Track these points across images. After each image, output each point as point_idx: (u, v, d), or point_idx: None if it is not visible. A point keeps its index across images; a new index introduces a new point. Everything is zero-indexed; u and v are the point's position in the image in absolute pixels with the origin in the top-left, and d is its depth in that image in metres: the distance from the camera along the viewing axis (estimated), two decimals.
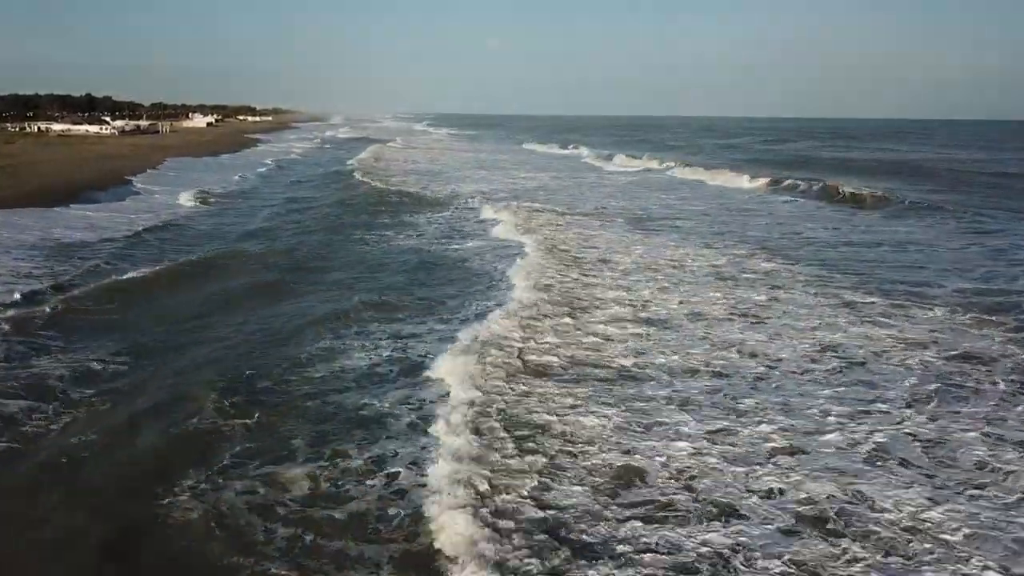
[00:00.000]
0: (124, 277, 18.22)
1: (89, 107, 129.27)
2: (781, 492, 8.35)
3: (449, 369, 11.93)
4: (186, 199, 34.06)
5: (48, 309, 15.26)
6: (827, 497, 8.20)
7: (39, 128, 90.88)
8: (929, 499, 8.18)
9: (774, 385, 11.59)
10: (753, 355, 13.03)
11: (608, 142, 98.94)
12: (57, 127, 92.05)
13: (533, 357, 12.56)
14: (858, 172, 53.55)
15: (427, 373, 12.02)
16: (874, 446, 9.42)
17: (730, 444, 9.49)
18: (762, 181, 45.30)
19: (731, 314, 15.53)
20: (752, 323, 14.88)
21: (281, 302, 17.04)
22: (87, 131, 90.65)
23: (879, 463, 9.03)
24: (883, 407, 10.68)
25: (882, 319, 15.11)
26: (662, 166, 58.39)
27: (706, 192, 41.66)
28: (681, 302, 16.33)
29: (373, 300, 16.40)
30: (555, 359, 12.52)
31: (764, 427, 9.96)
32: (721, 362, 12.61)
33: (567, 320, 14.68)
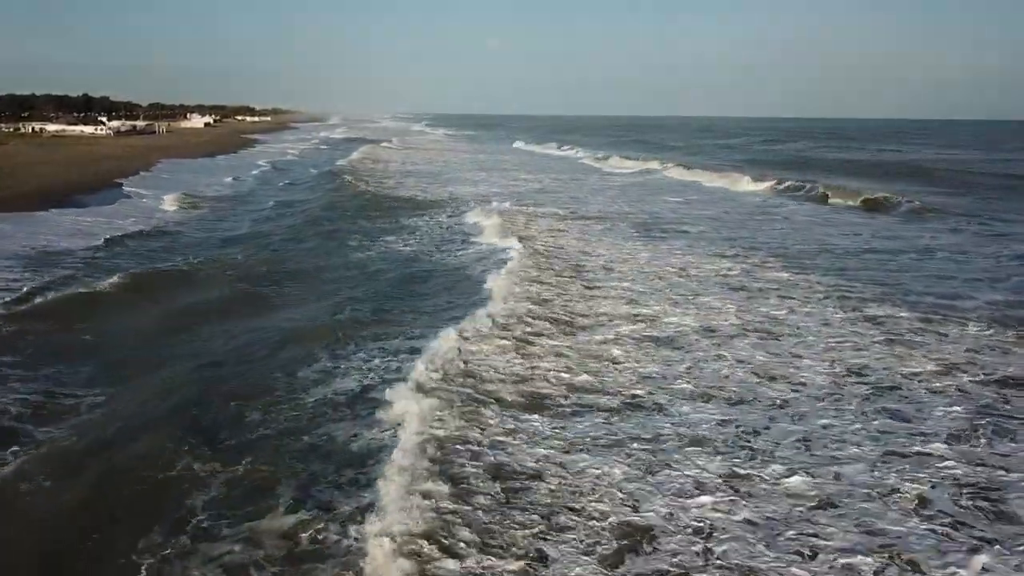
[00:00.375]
0: (97, 291, 17.07)
1: (86, 107, 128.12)
2: (812, 556, 7.21)
3: (412, 401, 10.44)
4: (175, 203, 33.04)
5: (9, 329, 14.20)
6: (867, 564, 7.07)
7: (33, 129, 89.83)
8: (989, 571, 7.04)
9: (795, 416, 10.48)
10: (771, 378, 11.96)
11: (608, 143, 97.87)
12: (51, 127, 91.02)
13: (526, 386, 11.34)
14: (864, 174, 52.44)
15: (386, 409, 10.53)
16: (915, 496, 8.26)
17: (749, 493, 8.35)
18: (768, 183, 44.08)
19: (745, 329, 14.47)
20: (768, 340, 13.80)
21: (266, 315, 16.02)
22: (82, 132, 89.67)
23: (923, 519, 7.87)
24: (921, 446, 9.53)
25: (911, 336, 13.98)
26: (662, 167, 57.23)
27: (710, 195, 40.49)
28: (691, 316, 15.25)
29: (366, 315, 15.37)
30: (551, 387, 11.36)
31: (789, 474, 8.78)
32: (736, 387, 11.53)
33: (566, 340, 13.55)
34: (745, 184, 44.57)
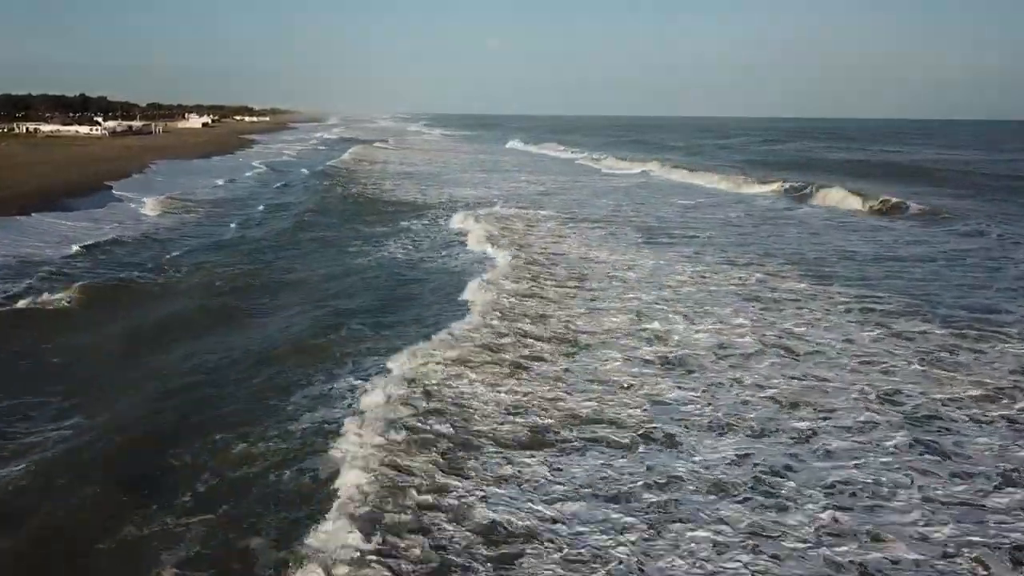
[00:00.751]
0: (65, 305, 15.94)
1: (83, 107, 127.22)
2: None
3: (362, 443, 9.21)
4: (164, 207, 31.91)
5: None
6: None
7: (27, 129, 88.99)
8: None
9: (823, 453, 9.37)
10: (793, 405, 10.87)
11: (608, 143, 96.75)
12: (46, 128, 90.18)
13: (520, 419, 10.19)
14: (868, 175, 51.25)
15: (333, 449, 9.36)
16: (971, 564, 7.07)
17: (776, 557, 7.19)
18: (774, 185, 42.88)
19: (763, 345, 13.38)
20: (787, 360, 12.69)
21: (254, 330, 14.95)
22: (77, 132, 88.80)
23: None
24: (968, 493, 8.38)
25: (946, 355, 12.80)
26: (663, 168, 56.13)
27: (716, 197, 39.29)
28: (703, 332, 14.13)
29: (362, 329, 14.32)
30: (546, 418, 10.23)
31: (822, 535, 7.61)
32: (755, 417, 10.43)
33: (565, 363, 12.42)
34: (751, 186, 43.45)
